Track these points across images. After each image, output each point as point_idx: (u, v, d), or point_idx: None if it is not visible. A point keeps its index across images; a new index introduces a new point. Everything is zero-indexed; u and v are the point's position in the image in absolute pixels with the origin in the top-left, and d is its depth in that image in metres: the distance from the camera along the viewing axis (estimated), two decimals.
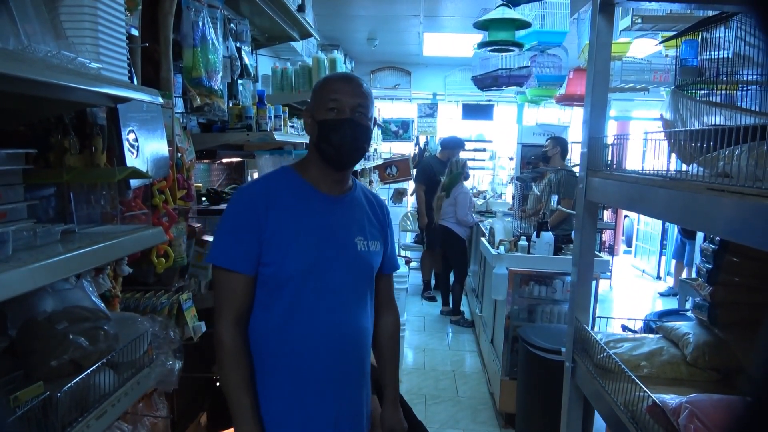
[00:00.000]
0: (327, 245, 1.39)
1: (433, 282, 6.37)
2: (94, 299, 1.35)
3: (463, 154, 6.25)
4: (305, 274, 1.36)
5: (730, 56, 1.71)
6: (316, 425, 1.38)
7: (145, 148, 1.60)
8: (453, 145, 6.03)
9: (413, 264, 6.99)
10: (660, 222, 7.46)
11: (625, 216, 8.55)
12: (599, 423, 2.91)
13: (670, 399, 1.23)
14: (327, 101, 1.37)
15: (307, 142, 1.48)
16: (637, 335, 1.96)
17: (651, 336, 1.88)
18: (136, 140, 1.54)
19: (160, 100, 1.46)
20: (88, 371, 1.15)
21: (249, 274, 1.36)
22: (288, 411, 1.37)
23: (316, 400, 1.38)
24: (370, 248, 1.46)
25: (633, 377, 1.39)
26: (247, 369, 1.36)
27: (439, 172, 5.77)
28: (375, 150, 6.44)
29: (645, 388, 1.32)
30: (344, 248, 1.41)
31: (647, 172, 1.46)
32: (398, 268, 1.68)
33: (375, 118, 1.48)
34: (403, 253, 6.93)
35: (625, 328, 2.42)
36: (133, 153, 1.51)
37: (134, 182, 1.53)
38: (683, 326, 1.78)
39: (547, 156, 4.80)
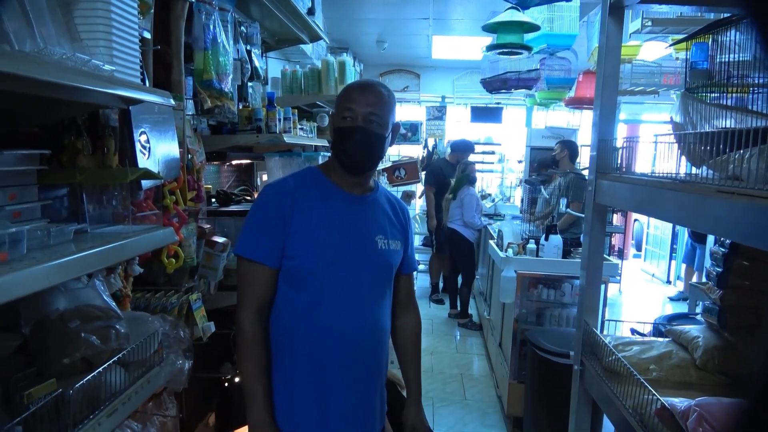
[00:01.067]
0: (348, 241, 1.44)
1: (441, 285, 6.37)
2: (105, 298, 1.37)
3: (471, 157, 6.25)
4: (327, 268, 1.41)
5: (740, 59, 1.70)
6: (333, 414, 1.43)
7: (157, 150, 1.61)
8: (462, 147, 6.04)
9: (421, 267, 6.98)
10: (670, 226, 7.41)
11: (635, 220, 8.49)
12: (608, 427, 2.89)
13: (679, 402, 1.23)
14: (342, 110, 1.43)
15: (316, 144, 1.51)
16: (646, 338, 1.95)
17: (660, 339, 1.87)
18: (148, 141, 1.56)
19: (172, 102, 1.48)
20: (100, 369, 1.16)
21: (272, 266, 1.41)
22: (307, 400, 1.42)
23: (333, 390, 1.42)
24: (390, 246, 1.50)
25: (642, 380, 1.39)
26: (264, 358, 1.41)
27: (448, 174, 5.78)
28: None
29: (654, 392, 1.31)
30: (365, 245, 1.46)
31: (657, 174, 1.46)
32: (417, 269, 1.74)
33: (396, 123, 1.51)
34: None
35: (634, 331, 2.41)
36: (144, 154, 1.53)
37: (145, 183, 1.54)
38: (693, 330, 1.77)
39: (556, 159, 4.79)
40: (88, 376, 1.12)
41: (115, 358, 1.22)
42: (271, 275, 1.42)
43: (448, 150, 6.38)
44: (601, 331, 2.09)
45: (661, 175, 1.44)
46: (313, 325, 1.41)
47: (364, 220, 1.48)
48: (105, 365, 1.18)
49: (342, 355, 1.42)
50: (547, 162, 5.17)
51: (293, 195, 1.43)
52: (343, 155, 1.44)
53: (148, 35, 1.70)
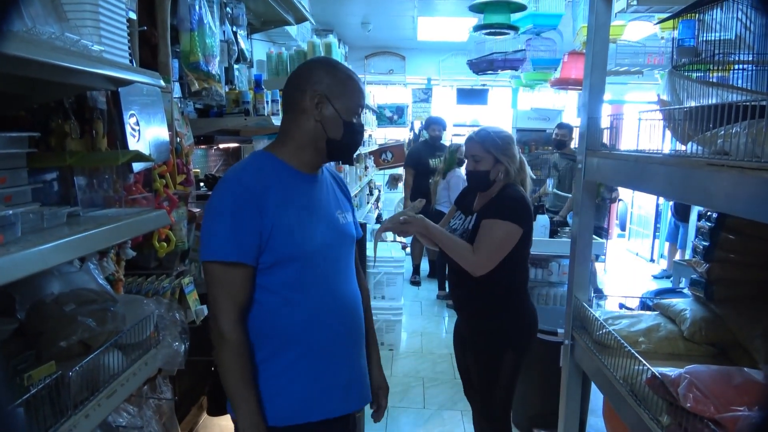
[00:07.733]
0: (319, 222, 1.43)
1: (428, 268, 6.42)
2: (100, 281, 1.36)
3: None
4: (306, 253, 1.39)
5: (725, 37, 1.72)
6: (329, 392, 1.43)
7: (146, 133, 1.60)
8: (429, 123, 5.96)
9: (409, 250, 7.00)
10: (653, 205, 7.51)
11: (619, 200, 8.59)
12: (594, 402, 2.96)
13: (669, 371, 1.26)
14: (356, 106, 1.43)
15: None
16: (635, 312, 1.99)
17: (648, 313, 1.91)
18: (138, 124, 1.54)
19: (162, 83, 1.47)
20: (97, 352, 1.17)
21: (252, 264, 1.34)
22: (303, 385, 1.40)
23: (327, 369, 1.42)
24: (347, 219, 1.53)
25: (632, 351, 1.42)
26: (249, 362, 1.35)
27: (426, 155, 5.76)
28: (370, 136, 6.42)
29: (644, 361, 1.35)
30: (331, 223, 1.47)
31: (645, 150, 1.48)
32: (362, 235, 1.71)
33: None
34: (399, 238, 6.94)
35: (622, 306, 2.45)
36: (135, 137, 1.51)
37: (136, 166, 1.53)
38: (680, 303, 1.81)
39: (561, 141, 4.98)
40: (87, 359, 1.12)
41: (113, 341, 1.22)
42: (250, 274, 1.33)
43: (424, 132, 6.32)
44: (590, 306, 2.13)
45: (649, 151, 1.46)
46: (299, 311, 1.39)
47: (324, 199, 1.48)
48: (102, 348, 1.18)
49: (332, 334, 1.42)
50: (554, 144, 5.32)
51: (260, 186, 1.34)
52: (347, 149, 1.46)
53: (133, 16, 1.67)
